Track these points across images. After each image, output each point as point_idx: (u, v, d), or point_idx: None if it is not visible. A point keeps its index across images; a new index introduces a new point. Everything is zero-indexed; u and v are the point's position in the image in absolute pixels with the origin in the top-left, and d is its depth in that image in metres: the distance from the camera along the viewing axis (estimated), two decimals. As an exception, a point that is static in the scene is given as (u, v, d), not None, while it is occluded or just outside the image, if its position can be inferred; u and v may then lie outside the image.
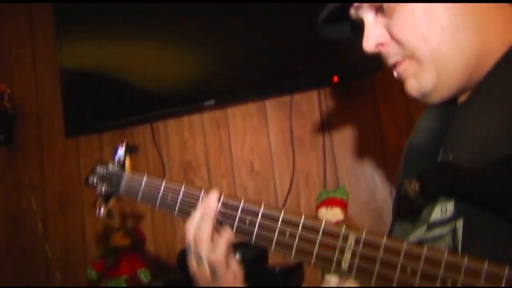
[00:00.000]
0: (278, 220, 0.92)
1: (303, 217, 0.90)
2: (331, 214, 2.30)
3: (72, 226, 2.95)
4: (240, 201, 1.00)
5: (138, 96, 2.75)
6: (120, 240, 2.55)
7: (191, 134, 2.85)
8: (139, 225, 2.77)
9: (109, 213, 1.33)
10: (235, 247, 2.34)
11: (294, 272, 2.32)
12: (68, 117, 2.88)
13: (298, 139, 2.63)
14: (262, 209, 0.96)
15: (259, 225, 0.95)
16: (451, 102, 0.96)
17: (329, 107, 2.58)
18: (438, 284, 0.71)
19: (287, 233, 0.91)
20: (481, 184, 0.73)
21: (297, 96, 2.63)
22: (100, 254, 2.60)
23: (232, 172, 2.75)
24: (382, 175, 2.47)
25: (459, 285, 0.69)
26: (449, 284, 0.70)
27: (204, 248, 0.96)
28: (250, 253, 2.34)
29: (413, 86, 0.93)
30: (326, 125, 2.58)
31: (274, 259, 2.52)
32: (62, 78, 2.89)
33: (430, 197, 0.86)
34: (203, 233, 0.97)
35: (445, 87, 0.91)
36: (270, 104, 2.70)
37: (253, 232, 0.96)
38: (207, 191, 1.05)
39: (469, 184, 0.75)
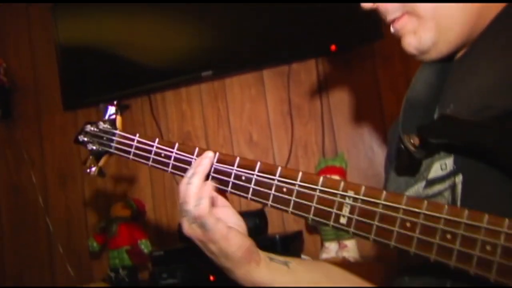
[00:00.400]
0: (275, 177, 0.92)
1: (300, 173, 0.89)
2: (330, 182, 2.30)
3: (72, 198, 2.97)
4: (236, 158, 0.99)
5: (136, 68, 2.74)
6: (120, 211, 2.57)
7: (189, 106, 2.85)
8: (139, 196, 2.78)
9: (100, 171, 1.32)
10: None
11: (294, 240, 2.34)
12: (66, 91, 2.87)
13: (296, 109, 2.62)
14: (258, 165, 0.95)
15: (255, 182, 0.94)
16: (448, 58, 0.95)
17: (327, 76, 2.57)
18: (437, 238, 0.72)
19: (284, 189, 0.90)
20: (481, 137, 0.73)
21: (295, 66, 2.61)
22: (101, 225, 2.61)
23: (230, 142, 2.75)
24: (380, 142, 2.48)
25: (458, 238, 0.69)
26: (448, 237, 0.71)
27: (191, 203, 0.95)
28: (250, 223, 2.35)
29: (411, 43, 0.92)
30: (324, 94, 2.57)
31: (274, 228, 2.55)
32: (58, 52, 2.87)
33: (430, 151, 0.86)
34: (191, 188, 0.96)
35: (443, 44, 0.90)
36: (267, 74, 2.69)
37: (249, 188, 0.95)
38: (201, 150, 1.04)
39: (469, 137, 0.75)
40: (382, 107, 2.47)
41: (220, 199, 1.04)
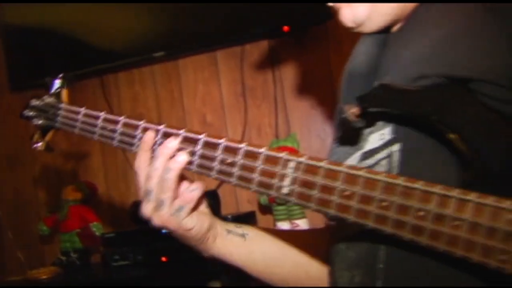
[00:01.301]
0: (219, 148, 0.91)
1: (244, 144, 0.88)
2: (283, 162, 2.32)
3: (22, 182, 2.90)
4: (181, 130, 0.97)
5: (87, 49, 2.68)
6: (71, 194, 2.53)
7: (142, 87, 2.81)
8: (91, 178, 2.74)
9: (47, 146, 1.27)
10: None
11: (246, 220, 2.35)
12: (13, 71, 2.79)
13: (250, 90, 2.62)
14: (203, 137, 0.94)
15: (200, 154, 0.94)
16: (387, 31, 0.96)
17: (280, 57, 2.57)
18: (374, 206, 0.73)
19: (228, 160, 0.90)
20: (417, 105, 0.74)
21: (248, 47, 2.61)
22: (51, 209, 2.56)
23: (184, 124, 2.73)
24: (333, 123, 2.50)
25: (394, 205, 0.70)
26: (384, 205, 0.72)
27: (170, 197, 0.93)
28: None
29: (346, 16, 0.92)
30: (277, 76, 2.58)
31: (228, 209, 2.56)
32: (3, 32, 2.79)
33: (370, 120, 0.86)
34: (171, 182, 0.92)
35: (378, 16, 0.91)
36: (221, 55, 2.67)
37: (194, 162, 0.94)
38: (149, 122, 1.02)
39: (406, 105, 0.76)
40: (334, 88, 2.49)
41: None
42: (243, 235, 1.06)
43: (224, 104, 2.68)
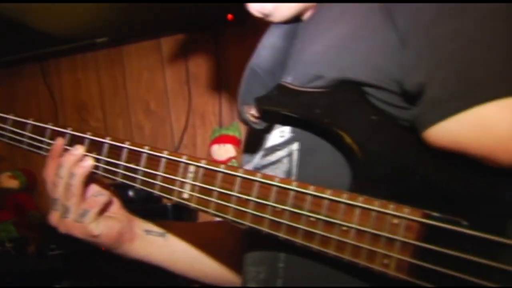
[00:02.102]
0: (123, 153, 0.89)
1: (146, 148, 0.86)
2: (223, 151, 2.31)
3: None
4: (87, 134, 0.93)
5: (26, 32, 2.59)
6: (7, 182, 2.46)
7: (85, 74, 2.75)
8: (32, 166, 2.67)
9: None
10: (128, 185, 2.32)
11: (186, 209, 2.33)
12: None
13: (194, 78, 2.59)
14: (108, 141, 0.91)
15: (105, 159, 0.90)
16: (296, 20, 0.94)
17: (225, 45, 2.55)
18: (268, 212, 0.71)
19: (133, 164, 0.87)
20: (308, 107, 0.73)
21: (193, 34, 2.57)
22: (-14, 197, 2.50)
23: (127, 112, 2.69)
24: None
25: (287, 208, 0.70)
26: (278, 209, 0.71)
27: (75, 203, 0.90)
28: (143, 192, 2.32)
29: (254, 6, 0.91)
30: (222, 64, 2.56)
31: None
32: None
33: (269, 121, 0.85)
34: (76, 189, 0.90)
35: (285, 7, 0.89)
36: (165, 43, 2.63)
37: (99, 166, 0.92)
38: (58, 125, 0.97)
39: (298, 107, 0.75)
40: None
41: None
42: (163, 235, 1.03)
43: (168, 91, 2.64)
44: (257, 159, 0.87)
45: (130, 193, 2.27)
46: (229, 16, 2.37)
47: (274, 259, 0.80)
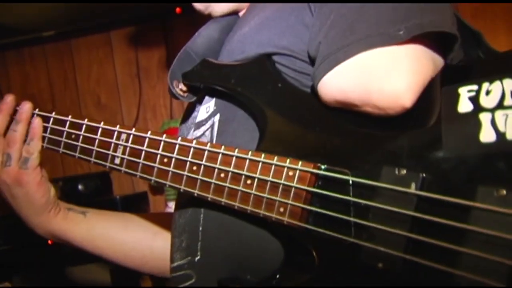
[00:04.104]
0: (66, 124, 0.94)
1: (86, 120, 0.91)
2: (172, 142, 2.33)
3: None
4: (35, 110, 1.01)
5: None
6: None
7: (33, 67, 2.74)
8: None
9: None
10: (77, 179, 2.32)
11: (136, 201, 2.35)
12: None
13: (145, 71, 2.61)
14: (53, 115, 0.97)
15: (50, 130, 0.96)
16: (234, 15, 1.02)
17: (174, 37, 2.58)
18: (186, 170, 0.77)
19: (73, 135, 0.92)
20: (225, 79, 0.80)
21: (142, 27, 2.59)
22: None
23: (78, 105, 2.69)
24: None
25: (201, 168, 0.75)
26: (194, 169, 0.76)
27: (17, 149, 0.96)
28: (92, 185, 2.34)
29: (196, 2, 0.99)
30: (171, 56, 2.57)
31: (123, 190, 2.55)
32: None
33: (197, 94, 0.91)
34: (18, 134, 0.96)
35: (223, 3, 0.99)
36: (115, 36, 2.64)
37: (45, 138, 0.97)
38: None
39: (218, 79, 0.81)
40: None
41: None
42: (83, 213, 1.07)
43: (119, 84, 2.65)
44: (191, 134, 0.92)
45: (80, 186, 2.28)
46: (178, 10, 2.40)
47: (195, 224, 0.85)
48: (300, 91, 0.73)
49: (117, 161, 0.86)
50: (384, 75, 0.64)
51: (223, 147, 0.73)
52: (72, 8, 2.43)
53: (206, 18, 1.05)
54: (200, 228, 0.83)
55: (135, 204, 2.32)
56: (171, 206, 2.35)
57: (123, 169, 0.86)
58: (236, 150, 0.72)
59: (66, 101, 2.70)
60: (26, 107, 0.99)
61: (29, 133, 0.97)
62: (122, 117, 2.64)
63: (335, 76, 0.67)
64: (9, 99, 1.00)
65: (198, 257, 0.82)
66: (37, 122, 0.98)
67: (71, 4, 2.42)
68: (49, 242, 2.14)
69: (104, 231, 1.07)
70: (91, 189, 2.27)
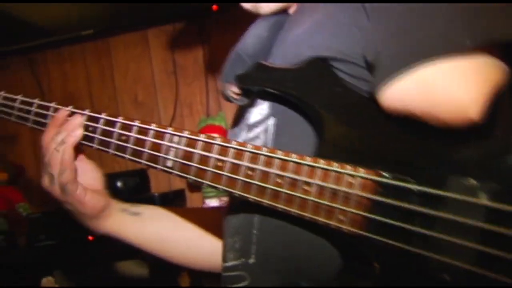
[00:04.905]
0: (116, 125, 0.94)
1: (137, 121, 0.91)
2: (210, 140, 2.34)
3: None
4: (85, 110, 1.00)
5: (13, 25, 2.61)
6: (-4, 175, 2.49)
7: (72, 66, 2.77)
8: (20, 158, 2.69)
9: None
10: (116, 176, 2.34)
11: (174, 198, 2.37)
12: None
13: (181, 68, 2.62)
14: (103, 116, 0.97)
15: (101, 131, 0.96)
16: (284, 13, 1.00)
17: (211, 35, 2.58)
18: (241, 174, 0.76)
19: (124, 137, 0.92)
20: (282, 83, 0.79)
21: (179, 25, 2.60)
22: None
23: (115, 103, 2.72)
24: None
25: (257, 172, 0.74)
26: (249, 173, 0.75)
27: (57, 170, 0.97)
28: (131, 182, 2.36)
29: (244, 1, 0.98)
30: (208, 54, 2.59)
31: (160, 187, 2.56)
32: None
33: (249, 97, 0.90)
34: (58, 156, 0.96)
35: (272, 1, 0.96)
36: (152, 34, 2.66)
37: (94, 139, 0.97)
38: (60, 104, 1.04)
39: (274, 83, 0.80)
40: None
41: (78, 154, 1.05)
42: (137, 214, 1.08)
43: (156, 82, 2.67)
44: (243, 135, 0.92)
45: (119, 184, 2.31)
46: (214, 7, 2.40)
47: (249, 226, 0.85)
48: (358, 96, 0.72)
49: (170, 163, 0.86)
50: (449, 88, 0.62)
51: (280, 152, 0.72)
52: (110, 7, 2.45)
53: (243, 16, 1.04)
54: (254, 231, 0.83)
55: (172, 201, 2.33)
56: (209, 204, 2.36)
57: (175, 172, 0.85)
58: (294, 155, 0.71)
59: (104, 99, 2.73)
60: (77, 133, 0.97)
61: (61, 163, 0.96)
62: (158, 115, 2.66)
63: (396, 88, 0.65)
64: (61, 115, 1.00)
65: (252, 260, 0.82)
66: (69, 152, 0.97)
67: (109, 3, 2.45)
68: (90, 238, 2.18)
69: (158, 233, 1.09)
70: (129, 186, 2.29)
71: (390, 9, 0.69)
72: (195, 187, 2.49)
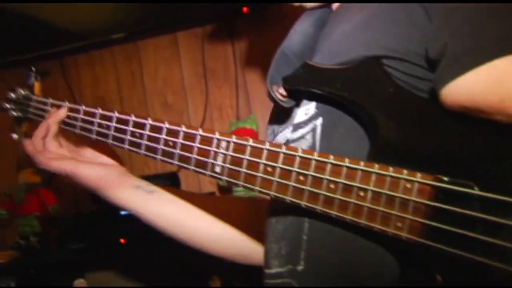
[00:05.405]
0: (162, 131, 0.93)
1: (183, 126, 0.90)
2: (240, 143, 2.33)
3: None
4: (131, 116, 1.01)
5: (45, 31, 2.63)
6: (30, 177, 2.51)
7: (103, 69, 2.79)
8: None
9: (25, 137, 1.33)
10: (148, 179, 2.35)
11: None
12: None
13: (211, 71, 2.62)
14: (149, 121, 0.96)
15: (147, 137, 0.96)
16: (327, 7, 0.98)
17: (241, 38, 2.57)
18: (292, 180, 0.74)
19: (170, 142, 0.92)
20: (330, 83, 0.77)
21: (209, 28, 2.60)
22: (8, 192, 2.54)
23: (145, 105, 2.72)
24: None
25: (309, 178, 0.72)
26: (301, 179, 0.74)
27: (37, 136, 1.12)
28: (163, 185, 2.35)
29: None
30: (238, 56, 2.58)
31: (190, 190, 2.56)
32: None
33: (294, 98, 0.88)
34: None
35: None
36: (181, 36, 2.66)
37: (141, 145, 0.97)
38: (105, 110, 1.07)
39: (321, 84, 0.78)
40: (293, 68, 2.49)
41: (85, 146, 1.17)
42: (151, 192, 1.10)
43: (185, 85, 2.67)
44: (288, 133, 0.90)
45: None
46: (244, 9, 2.40)
47: (298, 232, 0.83)
48: (413, 96, 0.69)
49: (218, 169, 0.85)
50: None
51: (332, 156, 0.70)
52: (140, 9, 2.46)
53: (273, 18, 1.02)
54: (304, 237, 0.81)
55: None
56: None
57: (224, 177, 0.84)
58: (347, 160, 0.69)
59: (134, 102, 2.74)
60: (60, 113, 1.13)
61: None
62: (188, 117, 2.66)
63: (465, 82, 0.63)
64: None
65: (301, 267, 0.80)
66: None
67: (139, 6, 2.45)
68: (122, 241, 2.19)
69: (169, 213, 1.10)
70: (160, 189, 2.29)
71: (457, 9, 0.68)
72: (226, 189, 2.48)
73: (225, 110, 2.62)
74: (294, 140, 0.87)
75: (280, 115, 0.96)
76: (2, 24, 2.65)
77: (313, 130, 0.84)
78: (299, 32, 1.00)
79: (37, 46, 2.65)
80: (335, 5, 0.98)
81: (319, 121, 0.83)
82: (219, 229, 1.11)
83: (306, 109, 0.87)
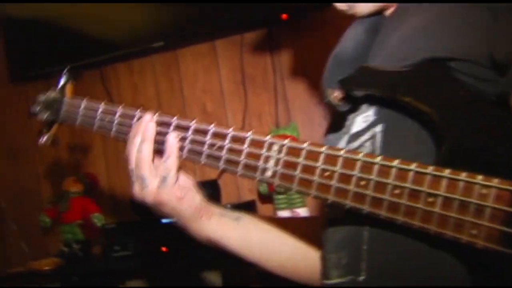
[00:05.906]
0: (208, 133, 0.92)
1: (231, 129, 0.89)
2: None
3: (24, 173, 2.91)
4: (173, 118, 1.00)
5: (86, 40, 2.67)
6: (72, 185, 2.54)
7: (142, 77, 2.81)
8: (93, 169, 2.74)
9: (54, 140, 1.31)
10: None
11: (246, 209, 2.34)
12: (13, 63, 2.80)
13: (250, 79, 2.61)
14: (193, 124, 0.95)
15: (190, 140, 0.94)
16: (379, 15, 0.96)
17: (280, 45, 2.56)
18: (352, 185, 0.72)
19: (216, 145, 0.90)
20: (394, 86, 0.74)
21: (247, 35, 2.59)
22: (52, 200, 2.57)
23: (184, 113, 2.73)
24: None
25: (371, 183, 0.70)
26: (362, 184, 0.71)
27: (146, 170, 0.95)
28: (204, 193, 2.35)
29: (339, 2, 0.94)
30: (277, 64, 2.56)
31: (229, 198, 2.55)
32: (3, 24, 2.79)
33: (353, 103, 0.86)
34: (144, 155, 0.96)
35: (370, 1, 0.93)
36: (220, 44, 2.66)
37: (185, 147, 0.95)
38: (143, 111, 1.05)
39: (383, 86, 0.76)
40: (333, 75, 2.47)
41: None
42: (237, 219, 1.07)
43: (224, 92, 2.67)
44: (343, 143, 0.88)
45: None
46: (284, 16, 2.39)
47: (358, 241, 0.80)
48: (482, 99, 0.67)
49: (269, 173, 0.83)
50: None
51: (397, 161, 0.68)
52: (178, 18, 2.47)
53: (312, 25, 1.01)
54: (365, 247, 0.78)
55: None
56: (280, 215, 2.33)
57: (276, 181, 0.82)
58: (414, 164, 0.66)
59: (173, 110, 2.74)
60: (150, 126, 0.99)
61: (166, 150, 0.96)
62: (227, 125, 2.62)
63: None
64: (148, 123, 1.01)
65: (363, 277, 0.77)
66: (173, 139, 0.96)
67: (178, 14, 2.47)
68: (163, 249, 2.19)
69: (261, 240, 1.06)
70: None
71: None
72: (267, 198, 2.46)
73: (265, 117, 2.61)
74: (353, 150, 0.85)
75: (335, 125, 0.94)
76: (43, 35, 2.71)
77: (373, 137, 0.82)
78: (351, 39, 0.98)
79: (78, 56, 2.69)
80: (389, 12, 0.96)
81: (378, 128, 0.81)
82: (311, 253, 1.06)
83: (365, 116, 0.85)
